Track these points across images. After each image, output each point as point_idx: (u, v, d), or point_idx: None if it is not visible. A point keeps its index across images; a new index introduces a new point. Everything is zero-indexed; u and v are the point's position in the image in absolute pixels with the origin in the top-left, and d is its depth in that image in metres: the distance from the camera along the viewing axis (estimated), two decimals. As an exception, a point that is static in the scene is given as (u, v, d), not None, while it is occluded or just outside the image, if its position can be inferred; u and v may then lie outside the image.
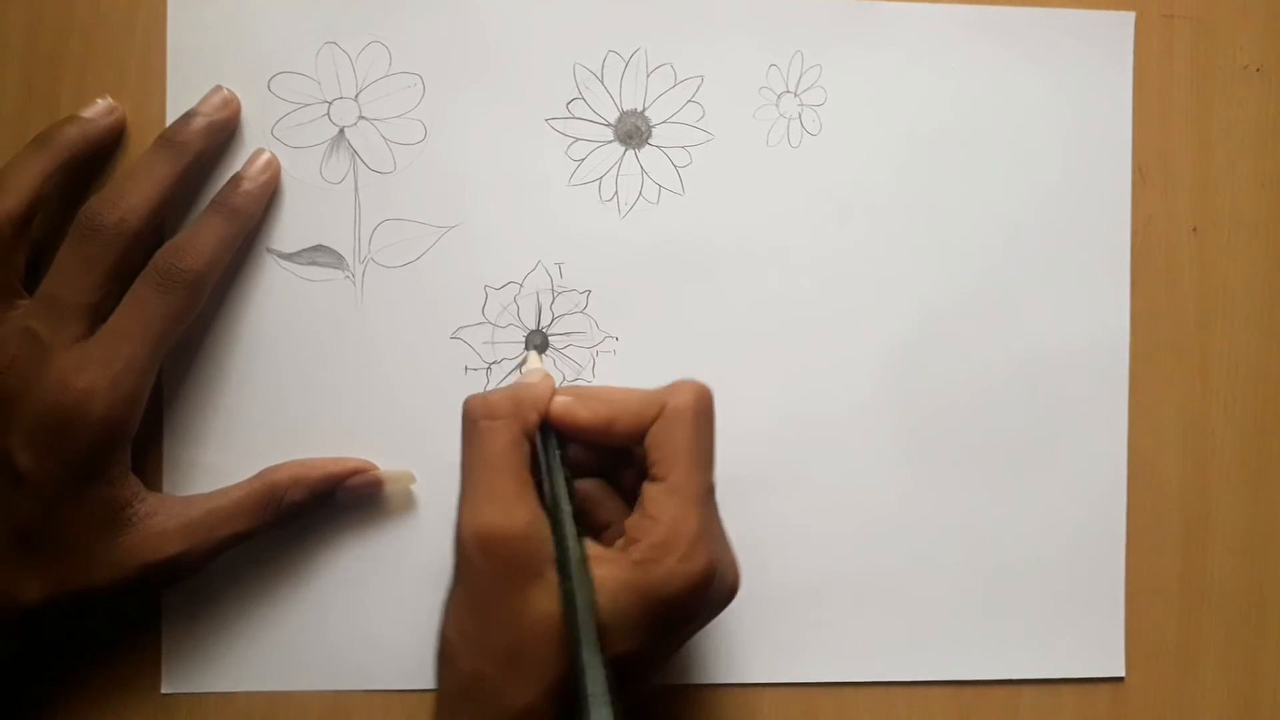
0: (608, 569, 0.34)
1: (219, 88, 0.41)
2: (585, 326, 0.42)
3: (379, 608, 0.41)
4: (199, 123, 0.40)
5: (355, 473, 0.41)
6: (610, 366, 0.42)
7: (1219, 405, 0.44)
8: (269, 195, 0.41)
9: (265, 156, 0.41)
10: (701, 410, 0.37)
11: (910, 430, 0.43)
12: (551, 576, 0.34)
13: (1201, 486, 0.44)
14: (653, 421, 0.36)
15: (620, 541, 0.35)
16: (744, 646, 0.42)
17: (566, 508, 0.36)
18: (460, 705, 0.35)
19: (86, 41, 0.41)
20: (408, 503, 0.42)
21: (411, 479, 0.41)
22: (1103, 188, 0.44)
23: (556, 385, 0.37)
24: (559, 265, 0.42)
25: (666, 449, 0.36)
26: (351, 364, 0.41)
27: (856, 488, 0.43)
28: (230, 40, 0.41)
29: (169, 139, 0.39)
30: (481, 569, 0.35)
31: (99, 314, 0.37)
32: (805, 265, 0.43)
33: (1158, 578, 0.44)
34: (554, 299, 0.42)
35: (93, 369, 0.36)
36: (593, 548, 0.35)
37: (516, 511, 0.35)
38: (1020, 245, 0.43)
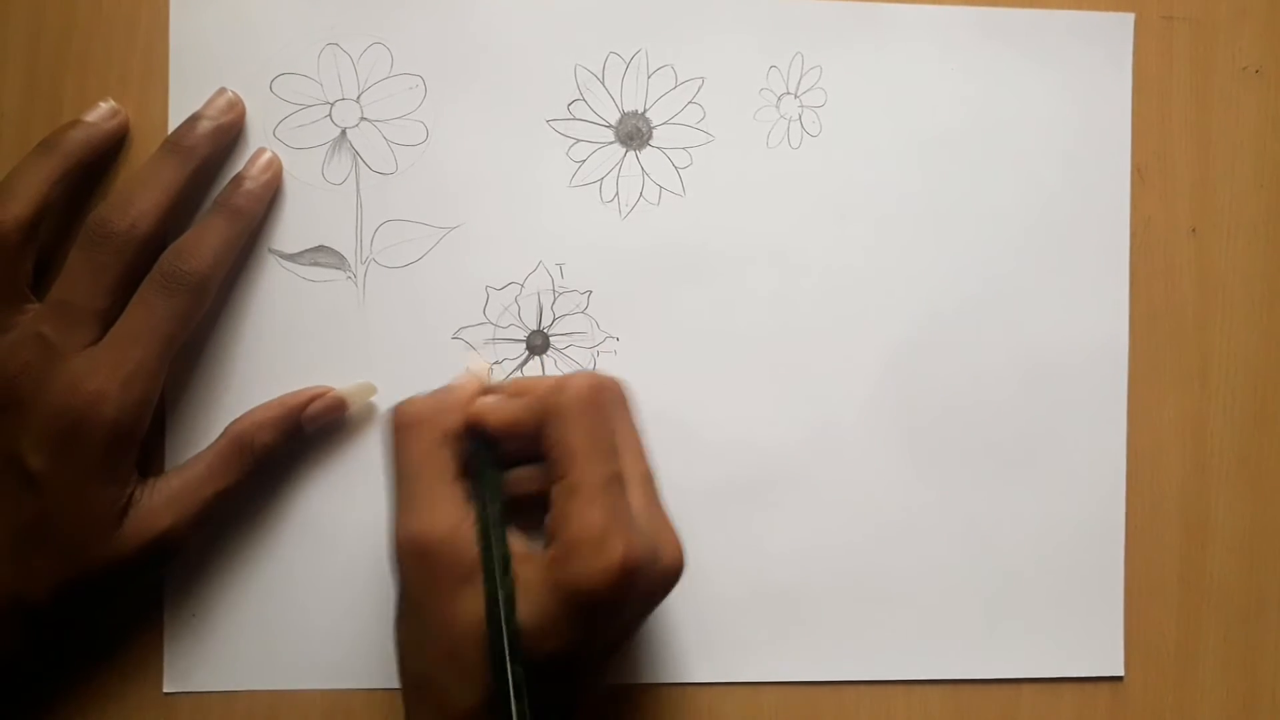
0: (529, 569, 0.34)
1: (223, 90, 0.41)
2: (586, 327, 0.42)
3: (381, 607, 0.41)
4: (205, 126, 0.40)
5: (313, 399, 0.40)
6: (611, 367, 0.42)
7: (1218, 405, 0.44)
8: (271, 194, 0.41)
9: (266, 156, 0.41)
10: (592, 400, 0.36)
11: (910, 431, 0.43)
12: (480, 579, 0.34)
13: (1201, 486, 0.44)
14: (546, 420, 0.36)
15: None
16: (744, 645, 0.42)
17: (493, 509, 0.35)
18: (415, 704, 0.35)
19: (88, 43, 0.41)
20: (371, 417, 0.41)
21: (372, 390, 0.41)
22: (1102, 188, 0.44)
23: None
24: (560, 266, 0.42)
25: (559, 448, 0.35)
26: (353, 364, 0.42)
27: (857, 488, 0.43)
28: (232, 42, 0.41)
29: (175, 143, 0.39)
30: (413, 575, 0.35)
31: (108, 319, 0.37)
32: (806, 266, 0.43)
33: (1157, 577, 0.44)
34: (555, 300, 0.42)
35: (103, 373, 0.36)
36: (518, 549, 0.35)
37: (439, 517, 0.35)
38: (1019, 246, 0.43)
